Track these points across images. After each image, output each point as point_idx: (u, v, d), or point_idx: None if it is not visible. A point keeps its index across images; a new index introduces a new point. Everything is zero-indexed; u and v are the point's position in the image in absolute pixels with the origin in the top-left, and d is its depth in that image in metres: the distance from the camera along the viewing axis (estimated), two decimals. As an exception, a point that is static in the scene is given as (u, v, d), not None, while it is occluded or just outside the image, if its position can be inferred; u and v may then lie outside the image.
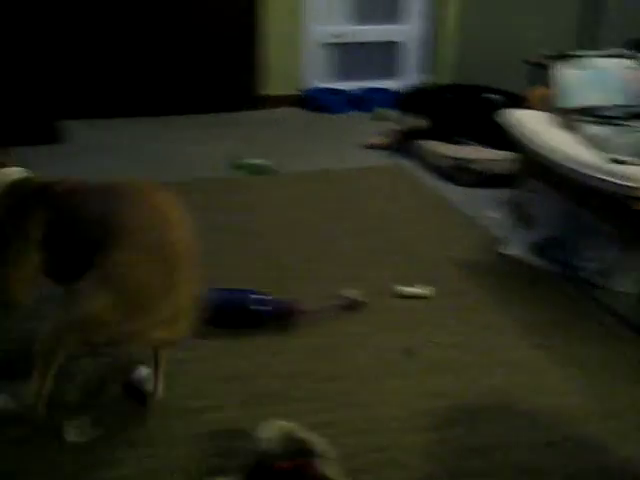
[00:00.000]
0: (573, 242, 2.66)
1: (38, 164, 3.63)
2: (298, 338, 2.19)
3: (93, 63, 4.45)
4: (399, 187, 3.50)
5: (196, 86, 4.66)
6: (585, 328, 2.30)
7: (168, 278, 1.62)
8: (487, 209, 3.20)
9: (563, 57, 2.81)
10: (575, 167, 2.39)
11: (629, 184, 2.19)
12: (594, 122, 2.60)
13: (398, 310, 2.37)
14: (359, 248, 2.81)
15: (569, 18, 3.83)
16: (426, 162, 3.78)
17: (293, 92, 4.93)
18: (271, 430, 1.60)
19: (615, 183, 2.23)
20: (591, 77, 2.78)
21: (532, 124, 2.73)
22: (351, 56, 5.07)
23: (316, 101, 4.88)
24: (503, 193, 3.22)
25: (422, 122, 4.05)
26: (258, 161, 3.68)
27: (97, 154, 3.90)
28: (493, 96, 3.86)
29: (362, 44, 5.04)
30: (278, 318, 2.21)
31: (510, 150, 3.08)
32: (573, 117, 2.67)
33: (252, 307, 2.18)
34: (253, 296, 2.21)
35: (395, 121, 4.31)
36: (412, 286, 2.46)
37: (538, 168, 2.67)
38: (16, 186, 1.85)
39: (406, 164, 3.83)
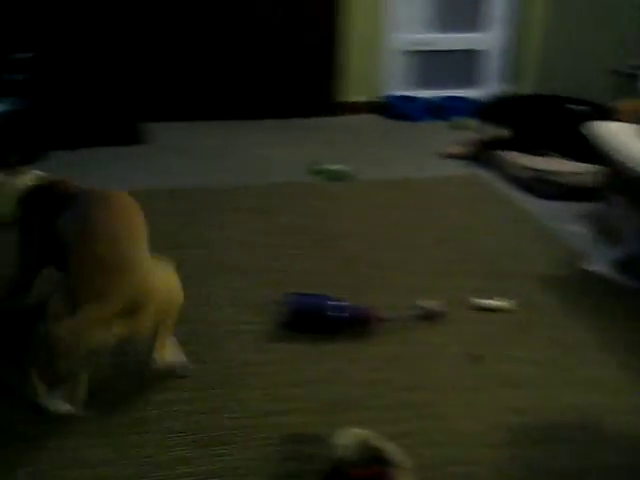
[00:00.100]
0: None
1: (120, 164, 3.81)
2: (375, 346, 2.19)
3: (176, 66, 4.55)
4: (477, 198, 3.47)
5: (276, 91, 4.72)
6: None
7: (111, 281, 1.76)
8: (568, 223, 3.13)
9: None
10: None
11: None
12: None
13: (476, 322, 2.34)
14: (436, 258, 2.80)
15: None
16: (506, 173, 3.72)
17: (372, 99, 4.93)
18: (348, 437, 1.61)
19: None
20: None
21: (622, 137, 2.66)
22: (431, 64, 5.04)
23: (394, 108, 4.87)
24: (585, 207, 3.15)
25: (502, 132, 3.99)
26: (336, 167, 3.70)
27: (176, 156, 3.99)
28: (578, 107, 3.78)
29: (442, 52, 5.00)
30: (355, 325, 2.22)
31: (593, 163, 3.01)
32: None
33: (330, 313, 2.20)
34: (331, 302, 2.22)
35: (474, 130, 4.27)
36: (490, 298, 2.43)
37: (625, 182, 2.60)
38: (32, 188, 2.17)
39: (485, 174, 3.78)
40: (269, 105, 4.74)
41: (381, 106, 4.92)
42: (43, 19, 3.96)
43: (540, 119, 3.95)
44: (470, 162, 3.95)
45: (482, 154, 3.97)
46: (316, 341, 2.20)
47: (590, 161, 3.09)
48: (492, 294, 2.47)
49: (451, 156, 4.05)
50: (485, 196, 3.49)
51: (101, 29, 4.00)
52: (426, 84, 5.06)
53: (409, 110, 4.85)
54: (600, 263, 2.71)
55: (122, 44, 4.05)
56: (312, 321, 2.22)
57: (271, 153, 4.08)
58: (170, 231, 2.97)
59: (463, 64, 5.07)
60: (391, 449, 1.61)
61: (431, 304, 2.35)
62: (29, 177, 2.20)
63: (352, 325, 2.22)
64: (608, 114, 3.06)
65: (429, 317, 2.32)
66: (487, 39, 5.03)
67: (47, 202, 2.11)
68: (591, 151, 2.80)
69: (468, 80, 5.10)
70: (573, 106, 3.81)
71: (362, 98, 4.88)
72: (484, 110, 4.33)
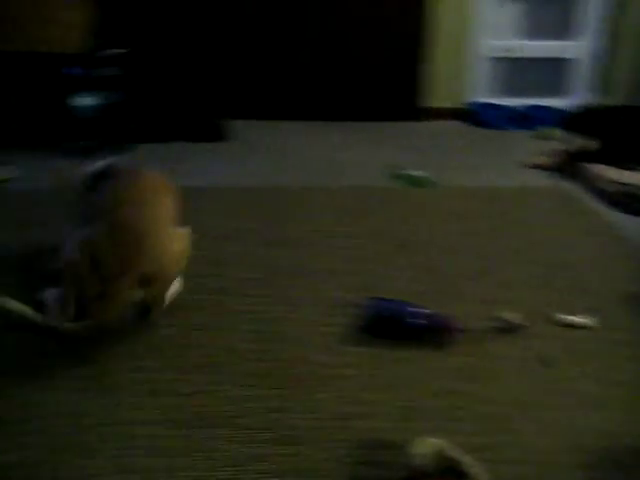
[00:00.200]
0: None
1: (202, 160, 3.89)
2: (452, 356, 2.17)
3: (260, 64, 4.62)
4: (562, 210, 3.39)
5: (359, 93, 4.73)
6: None
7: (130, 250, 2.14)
8: (657, 240, 3.03)
9: None
10: None
11: None
12: None
13: (557, 338, 2.29)
14: (517, 269, 2.74)
15: None
16: (592, 186, 3.62)
17: (455, 105, 4.88)
18: (425, 446, 1.60)
19: None
20: None
21: None
22: (517, 71, 4.95)
23: (478, 116, 4.81)
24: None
25: (589, 144, 3.90)
26: (418, 173, 3.68)
27: (258, 154, 4.05)
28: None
29: (530, 60, 4.90)
30: (434, 334, 2.20)
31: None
32: None
33: (410, 320, 2.18)
34: (411, 309, 2.21)
35: (560, 141, 4.18)
36: (573, 314, 2.37)
37: None
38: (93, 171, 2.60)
39: (570, 187, 3.69)
40: (352, 107, 4.76)
41: (465, 113, 4.87)
42: (136, 17, 4.08)
43: (630, 131, 3.84)
44: (555, 173, 3.86)
45: (568, 166, 3.88)
46: (393, 347, 2.19)
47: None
48: (574, 310, 2.41)
49: (535, 166, 3.97)
50: (569, 209, 3.41)
51: (190, 27, 4.09)
52: (511, 92, 4.97)
53: (493, 118, 4.78)
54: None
55: (210, 41, 4.14)
56: (391, 327, 2.21)
57: (352, 155, 4.09)
58: (251, 229, 3.01)
59: (551, 72, 4.96)
60: (468, 461, 1.59)
61: (512, 317, 2.31)
62: (100, 164, 2.61)
63: (431, 333, 2.20)
64: None
65: (509, 330, 2.28)
66: (578, 47, 4.91)
67: (98, 180, 2.48)
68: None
69: (556, 89, 4.98)
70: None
71: (446, 104, 4.84)
72: (571, 120, 4.24)
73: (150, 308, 2.24)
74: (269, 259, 2.76)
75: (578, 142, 3.97)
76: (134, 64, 4.10)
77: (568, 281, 2.67)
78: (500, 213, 3.30)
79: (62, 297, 2.18)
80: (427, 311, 2.22)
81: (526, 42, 4.87)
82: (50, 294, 2.24)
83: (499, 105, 4.89)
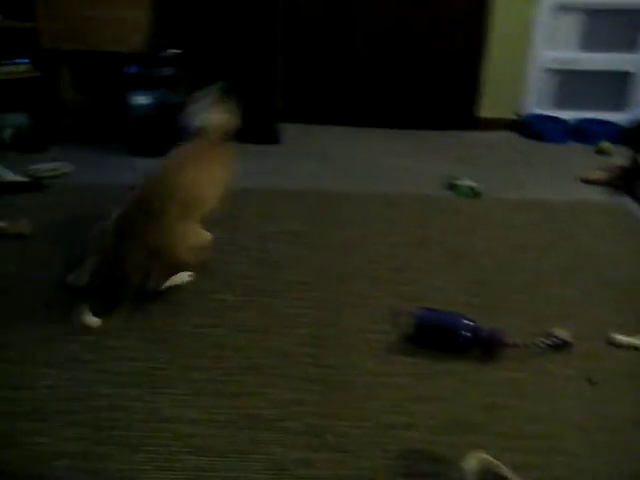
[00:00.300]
0: None
1: (254, 162, 3.90)
2: (500, 370, 2.13)
3: (317, 68, 4.63)
4: (617, 227, 3.31)
5: (414, 101, 4.70)
6: None
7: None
8: None
9: None
10: None
11: None
12: None
13: (609, 359, 2.23)
14: (569, 286, 2.69)
15: None
16: (649, 204, 3.54)
17: (510, 116, 4.82)
18: (473, 461, 1.57)
19: None
20: None
21: None
22: (575, 84, 4.85)
23: (532, 127, 4.74)
24: None
25: (647, 160, 3.81)
26: (471, 183, 3.64)
27: (310, 158, 4.06)
28: None
29: (589, 72, 4.80)
30: (484, 347, 2.17)
31: None
32: None
33: (460, 332, 2.15)
34: (462, 321, 2.18)
35: (616, 156, 4.09)
36: (629, 335, 2.31)
37: None
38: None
39: (627, 203, 3.60)
40: (406, 115, 4.73)
41: (519, 124, 4.80)
42: (193, 18, 4.14)
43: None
44: (611, 189, 3.78)
45: (623, 182, 3.79)
46: (441, 358, 2.16)
47: None
48: (626, 330, 2.34)
49: (590, 181, 3.89)
50: (624, 225, 3.33)
51: (245, 29, 4.13)
52: (568, 104, 4.88)
53: (547, 130, 4.70)
54: None
55: (266, 45, 4.16)
56: (442, 338, 2.19)
57: (405, 163, 4.07)
58: (300, 232, 3.02)
59: (611, 86, 4.84)
60: (516, 480, 1.56)
61: (562, 334, 2.26)
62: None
63: (481, 347, 2.17)
64: None
65: (559, 347, 2.23)
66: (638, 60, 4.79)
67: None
68: None
69: (616, 103, 4.86)
70: None
71: (501, 115, 4.78)
72: (628, 135, 4.15)
73: (151, 278, 2.34)
74: (317, 263, 2.76)
75: (634, 158, 3.88)
76: (191, 65, 4.15)
77: (622, 300, 2.60)
78: (553, 228, 3.24)
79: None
80: (476, 324, 2.19)
81: (585, 54, 4.78)
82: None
83: (555, 117, 4.81)
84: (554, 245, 3.05)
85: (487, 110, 4.76)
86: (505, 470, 1.58)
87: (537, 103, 4.86)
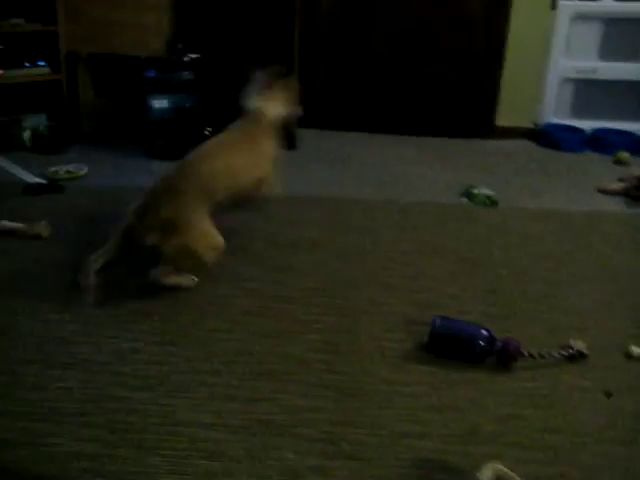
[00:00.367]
0: None
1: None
2: (515, 381, 2.12)
3: (334, 74, 4.64)
4: (634, 238, 3.28)
5: (432, 108, 4.70)
6: None
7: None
8: None
9: None
10: None
11: None
12: None
13: (626, 371, 2.21)
14: (585, 297, 2.67)
15: None
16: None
17: (527, 125, 4.80)
18: (489, 472, 1.56)
19: None
20: None
21: None
22: (593, 93, 4.82)
23: (550, 136, 4.71)
24: None
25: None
26: (488, 192, 3.63)
27: (326, 164, 4.06)
28: None
29: (608, 81, 4.77)
30: (499, 357, 2.16)
31: None
32: None
33: (477, 342, 2.14)
34: (479, 331, 2.17)
35: (636, 167, 4.06)
36: (643, 347, 2.30)
37: None
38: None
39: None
40: (423, 122, 4.73)
41: (537, 133, 4.78)
42: (211, 23, 4.17)
43: None
44: (628, 200, 3.75)
45: (641, 192, 3.77)
46: (456, 367, 2.15)
47: None
48: (643, 343, 2.33)
49: (608, 192, 3.86)
50: (642, 237, 3.32)
51: (263, 34, 4.15)
52: (586, 114, 4.85)
53: (565, 139, 4.68)
54: None
55: (281, 49, 4.18)
56: (458, 347, 2.18)
57: (421, 170, 4.07)
58: (316, 239, 3.02)
59: (631, 96, 4.80)
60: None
61: (578, 344, 2.24)
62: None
63: (498, 357, 2.16)
64: None
65: (575, 358, 2.22)
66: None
67: None
68: None
69: (632, 112, 4.82)
70: None
71: (518, 123, 4.76)
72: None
73: (161, 255, 2.44)
74: (332, 269, 2.76)
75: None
76: (208, 69, 4.17)
77: (637, 311, 2.58)
78: (570, 238, 3.22)
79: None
80: (492, 334, 2.18)
81: (604, 63, 4.75)
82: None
83: (572, 127, 4.78)
84: (571, 255, 3.03)
85: (504, 118, 4.74)
86: (520, 481, 1.57)
87: (555, 112, 4.84)
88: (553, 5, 4.53)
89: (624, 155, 4.40)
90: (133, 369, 2.07)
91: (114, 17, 4.16)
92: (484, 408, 1.99)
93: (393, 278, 2.72)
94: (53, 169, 3.69)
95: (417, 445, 1.82)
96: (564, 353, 2.21)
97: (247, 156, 2.73)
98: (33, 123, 4.16)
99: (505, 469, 1.57)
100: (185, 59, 4.08)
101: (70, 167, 3.73)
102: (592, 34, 4.72)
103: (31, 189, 3.44)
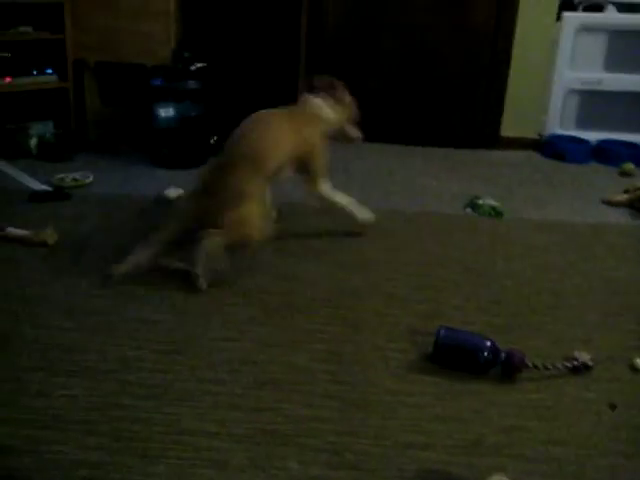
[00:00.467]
0: None
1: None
2: (519, 392, 2.11)
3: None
4: (639, 249, 3.28)
5: (438, 119, 4.72)
6: None
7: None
8: None
9: None
10: None
11: None
12: None
13: (632, 384, 2.20)
14: (589, 308, 2.67)
15: None
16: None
17: (531, 136, 4.81)
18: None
19: None
20: None
21: None
22: (598, 104, 4.83)
23: (555, 147, 4.72)
24: None
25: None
26: (493, 202, 3.63)
27: (329, 173, 4.04)
28: None
29: (613, 93, 4.78)
30: (503, 368, 2.16)
31: None
32: None
33: (481, 353, 2.14)
34: (483, 342, 2.17)
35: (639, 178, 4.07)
36: (648, 360, 2.29)
37: None
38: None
39: (649, 226, 3.59)
40: (428, 132, 4.74)
41: (541, 144, 4.79)
42: (217, 32, 4.19)
43: None
44: (634, 211, 3.75)
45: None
46: (459, 378, 2.15)
47: None
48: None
49: (613, 203, 3.86)
50: (647, 249, 3.31)
51: (267, 44, 4.17)
52: (591, 125, 4.86)
53: (569, 151, 4.68)
54: None
55: (288, 58, 4.20)
56: (462, 358, 2.17)
57: (425, 180, 4.08)
58: (320, 249, 3.03)
59: (634, 107, 4.80)
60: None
61: (583, 356, 2.24)
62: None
63: (502, 368, 2.16)
64: None
65: (579, 370, 2.21)
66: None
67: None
68: None
69: (637, 124, 4.82)
70: None
71: (523, 134, 4.78)
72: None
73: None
74: (337, 280, 2.77)
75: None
76: (215, 78, 4.19)
77: (643, 324, 2.58)
78: (575, 249, 3.22)
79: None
80: (497, 345, 2.18)
81: (609, 75, 4.76)
82: None
83: (578, 138, 4.79)
84: (575, 267, 3.03)
85: (509, 129, 4.76)
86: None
87: (560, 123, 4.85)
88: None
89: (629, 166, 4.41)
90: (138, 377, 2.07)
91: (121, 25, 4.19)
92: (488, 419, 1.98)
93: (397, 288, 2.72)
94: (59, 177, 3.70)
95: (421, 456, 1.82)
96: (568, 365, 2.21)
97: (293, 136, 2.91)
98: (40, 131, 4.19)
99: (508, 481, 1.57)
100: (191, 68, 4.10)
101: (76, 175, 3.75)
102: (597, 46, 4.73)
103: (37, 196, 3.45)
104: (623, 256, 3.19)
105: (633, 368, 2.27)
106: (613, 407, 2.06)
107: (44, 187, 3.58)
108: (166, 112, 4.01)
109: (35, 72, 4.15)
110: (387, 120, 4.73)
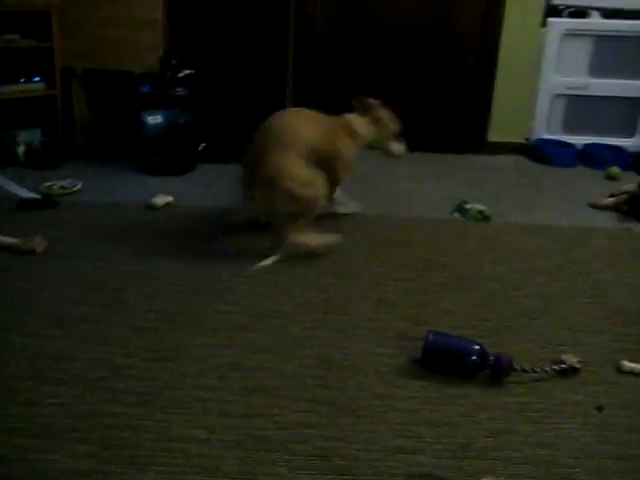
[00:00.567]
0: None
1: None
2: (510, 396, 2.12)
3: (325, 87, 4.66)
4: (628, 253, 3.31)
5: (424, 125, 4.74)
6: None
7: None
8: None
9: None
10: None
11: None
12: None
13: (619, 386, 2.21)
14: (577, 311, 2.69)
15: None
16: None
17: (518, 140, 4.84)
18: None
19: None
20: None
21: None
22: (584, 109, 4.87)
23: (541, 152, 4.76)
24: None
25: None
26: (481, 207, 3.65)
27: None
28: None
29: (599, 97, 4.81)
30: (492, 372, 2.17)
31: None
32: None
33: (469, 357, 2.15)
34: (471, 346, 2.18)
35: (627, 182, 4.09)
36: (635, 362, 2.30)
37: None
38: None
39: (636, 229, 3.61)
40: (415, 138, 4.72)
41: (528, 149, 4.82)
42: (205, 40, 4.20)
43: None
44: (621, 215, 3.78)
45: (635, 208, 3.79)
46: (448, 382, 2.16)
47: None
48: (638, 357, 2.33)
49: (598, 207, 3.89)
50: (634, 251, 3.33)
51: (255, 51, 4.18)
52: (577, 130, 4.89)
53: (556, 155, 4.72)
54: None
55: (275, 64, 4.22)
56: (451, 362, 2.19)
57: (413, 186, 4.10)
58: (312, 255, 3.02)
59: (622, 112, 4.85)
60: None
61: (571, 359, 2.26)
62: None
63: (490, 372, 2.17)
64: None
65: (567, 373, 2.23)
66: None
67: None
68: None
69: (626, 129, 4.86)
70: None
71: (510, 139, 4.81)
72: (639, 161, 4.15)
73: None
74: (326, 285, 2.78)
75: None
76: (203, 85, 4.19)
77: (631, 327, 2.60)
78: (562, 252, 3.25)
79: None
80: (485, 349, 2.19)
81: (595, 80, 4.80)
82: None
83: (563, 142, 4.83)
84: (562, 270, 3.05)
85: (496, 134, 4.79)
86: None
87: (546, 128, 4.88)
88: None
89: (615, 170, 4.44)
90: (127, 385, 2.07)
91: (109, 33, 4.20)
92: (477, 423, 2.00)
93: (385, 293, 2.73)
94: (47, 184, 3.70)
95: (410, 460, 1.83)
96: (556, 368, 2.22)
97: (324, 130, 3.16)
98: (27, 138, 4.18)
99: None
100: (179, 75, 4.10)
101: (64, 182, 3.74)
102: (583, 51, 4.76)
103: (25, 204, 3.44)
104: (610, 259, 3.21)
105: (620, 370, 2.29)
106: (600, 409, 2.08)
107: (32, 195, 3.58)
108: (154, 119, 4.01)
109: (23, 80, 4.14)
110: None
